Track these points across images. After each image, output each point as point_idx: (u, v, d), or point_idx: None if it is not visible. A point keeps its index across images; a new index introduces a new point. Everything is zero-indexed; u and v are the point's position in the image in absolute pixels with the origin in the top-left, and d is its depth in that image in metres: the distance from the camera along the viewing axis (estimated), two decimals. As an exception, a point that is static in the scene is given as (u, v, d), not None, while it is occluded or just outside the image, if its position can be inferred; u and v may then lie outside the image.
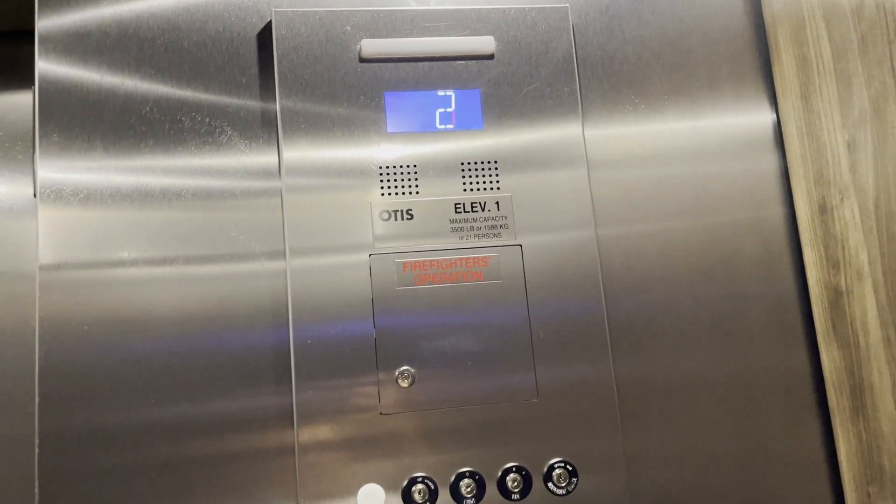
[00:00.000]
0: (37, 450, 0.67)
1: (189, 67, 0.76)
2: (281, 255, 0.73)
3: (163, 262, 0.72)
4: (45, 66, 0.73)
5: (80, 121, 0.73)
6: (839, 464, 0.76)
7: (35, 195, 0.72)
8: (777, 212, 0.82)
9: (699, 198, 0.81)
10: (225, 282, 0.72)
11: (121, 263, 0.71)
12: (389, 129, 0.76)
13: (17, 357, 0.75)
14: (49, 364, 0.68)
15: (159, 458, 0.68)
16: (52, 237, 0.70)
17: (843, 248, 0.73)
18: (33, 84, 0.74)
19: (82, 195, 0.72)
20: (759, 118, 0.84)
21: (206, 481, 0.69)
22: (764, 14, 0.85)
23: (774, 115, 0.84)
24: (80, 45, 0.74)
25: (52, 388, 0.68)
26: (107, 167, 0.72)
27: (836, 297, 0.75)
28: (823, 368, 0.78)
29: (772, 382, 0.79)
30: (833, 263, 0.75)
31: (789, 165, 0.81)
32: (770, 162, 0.83)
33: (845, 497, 0.76)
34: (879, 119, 0.67)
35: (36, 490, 0.67)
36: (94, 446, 0.68)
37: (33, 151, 0.73)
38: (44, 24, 0.74)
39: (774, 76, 0.83)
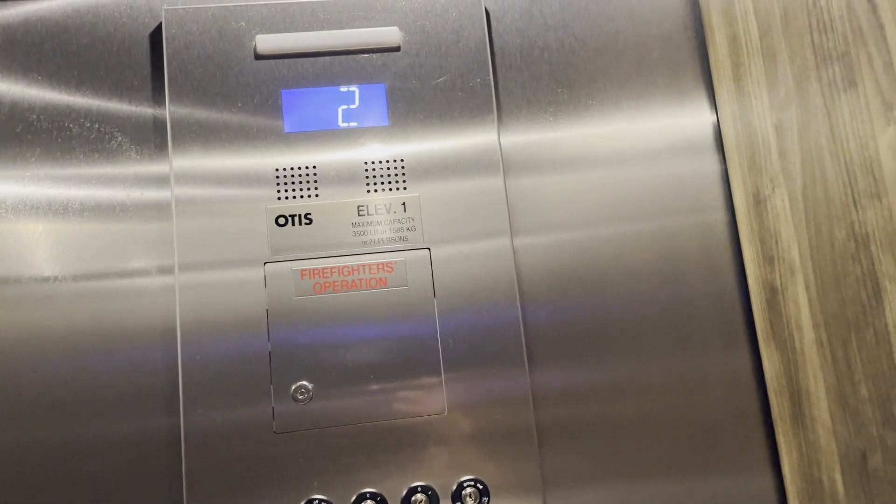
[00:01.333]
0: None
1: (78, 71, 0.72)
2: (172, 269, 0.69)
3: (47, 279, 0.68)
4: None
5: (-38, 131, 0.70)
6: (783, 477, 0.70)
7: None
8: (716, 210, 0.75)
9: (631, 195, 0.75)
10: (114, 299, 0.69)
11: (5, 281, 0.68)
12: (287, 129, 0.72)
13: None
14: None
15: (43, 480, 0.65)
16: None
17: (776, 242, 0.67)
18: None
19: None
20: (694, 105, 0.77)
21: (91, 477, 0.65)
22: (698, -9, 0.79)
23: (711, 102, 0.77)
24: (-36, 52, 0.71)
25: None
26: (-10, 179, 0.69)
27: (773, 296, 0.69)
28: (765, 373, 0.71)
29: (711, 391, 0.73)
30: (768, 259, 0.69)
31: (726, 154, 0.75)
32: (707, 154, 0.77)
33: (790, 514, 0.70)
34: (802, 98, 0.61)
35: None
36: (-28, 472, 0.64)
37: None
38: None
39: (710, 57, 0.77)
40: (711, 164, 0.76)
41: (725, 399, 0.72)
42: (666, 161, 0.76)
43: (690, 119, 0.77)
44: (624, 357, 0.72)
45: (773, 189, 0.67)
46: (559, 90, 0.77)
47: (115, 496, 0.65)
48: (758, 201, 0.69)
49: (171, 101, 0.71)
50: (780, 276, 0.67)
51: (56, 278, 0.68)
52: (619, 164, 0.76)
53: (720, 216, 0.75)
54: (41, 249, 0.69)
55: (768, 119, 0.67)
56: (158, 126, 0.72)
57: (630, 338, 0.73)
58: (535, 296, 0.73)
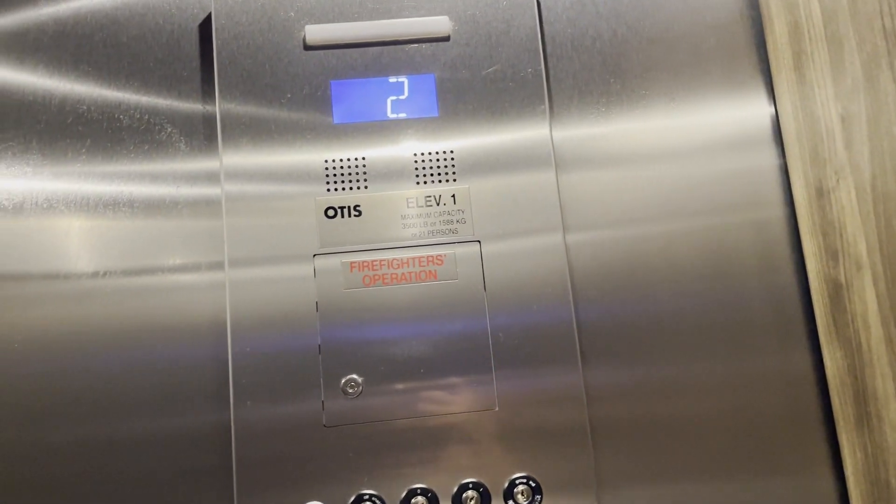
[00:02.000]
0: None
1: (128, 63, 0.72)
2: (221, 264, 0.69)
3: (97, 274, 0.68)
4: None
5: (14, 123, 0.70)
6: (846, 479, 0.68)
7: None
8: (774, 205, 0.73)
9: (684, 190, 0.73)
10: (164, 294, 0.68)
11: (55, 276, 0.68)
12: (336, 121, 0.71)
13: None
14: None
15: (95, 474, 0.65)
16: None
17: (840, 235, 0.65)
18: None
19: (17, 202, 0.69)
20: (751, 96, 0.75)
21: (143, 499, 0.65)
22: (755, -22, 0.76)
23: (769, 92, 0.75)
24: (17, 44, 0.71)
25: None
26: (42, 173, 0.69)
27: (836, 292, 0.66)
28: (826, 371, 0.69)
29: (771, 390, 0.70)
30: (832, 254, 0.66)
31: (785, 145, 0.73)
32: (764, 147, 0.74)
33: (853, 517, 0.67)
34: (872, 87, 0.59)
35: None
36: (36, 459, 0.64)
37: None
38: (-22, 24, 0.71)
39: (767, 45, 0.75)
40: (769, 157, 0.74)
41: (783, 399, 0.70)
42: (721, 155, 0.74)
43: (747, 111, 0.75)
44: (678, 355, 0.70)
45: (838, 181, 0.64)
46: (611, 80, 0.75)
47: (166, 490, 0.65)
48: (820, 194, 0.67)
49: (220, 92, 0.70)
50: (845, 271, 0.65)
51: (106, 273, 0.68)
52: (672, 159, 0.74)
53: (778, 212, 0.73)
54: (91, 245, 0.69)
55: (833, 109, 0.64)
56: (208, 118, 0.72)
57: (684, 336, 0.71)
58: (587, 293, 0.71)
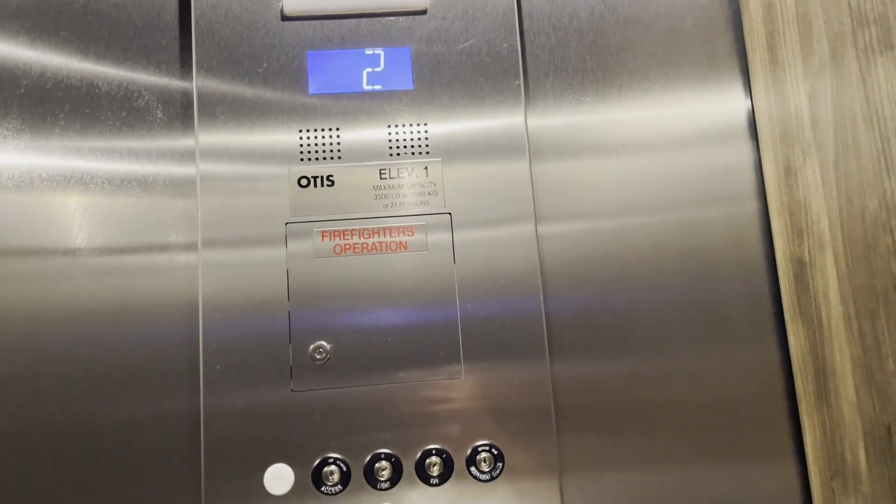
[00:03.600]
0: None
1: (108, 31, 0.73)
2: (195, 221, 0.70)
3: (73, 252, 0.69)
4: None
5: (-5, 87, 0.71)
6: (806, 455, 0.68)
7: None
8: (750, 198, 0.74)
9: (658, 177, 0.74)
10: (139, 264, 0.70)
11: (27, 252, 0.69)
12: (311, 91, 0.72)
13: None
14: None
15: (69, 454, 0.66)
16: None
17: (805, 213, 0.66)
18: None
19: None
20: (726, 79, 0.76)
21: (111, 454, 0.66)
22: (733, -42, 0.77)
23: (744, 75, 0.75)
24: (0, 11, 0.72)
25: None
26: (21, 146, 0.70)
27: (801, 270, 0.67)
28: (790, 350, 0.70)
29: (740, 373, 0.71)
30: (797, 232, 0.67)
31: (758, 125, 0.73)
32: (739, 135, 0.75)
33: (812, 493, 0.68)
34: (837, 64, 0.59)
35: None
36: (13, 442, 0.66)
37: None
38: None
39: (744, 26, 0.75)
40: (744, 148, 0.74)
41: (750, 380, 0.71)
42: (696, 143, 0.75)
43: (722, 94, 0.75)
44: (648, 341, 0.71)
45: (805, 160, 0.65)
46: (587, 58, 0.76)
47: (131, 459, 0.67)
48: (788, 173, 0.68)
49: (197, 62, 0.71)
50: (809, 249, 0.65)
51: (87, 250, 0.69)
52: (647, 150, 0.74)
53: (752, 203, 0.73)
54: (66, 222, 0.70)
55: (802, 88, 0.65)
56: (185, 90, 0.72)
57: (655, 324, 0.72)
58: (556, 267, 0.72)
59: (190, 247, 0.70)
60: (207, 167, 0.69)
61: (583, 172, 0.74)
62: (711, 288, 0.72)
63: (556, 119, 0.74)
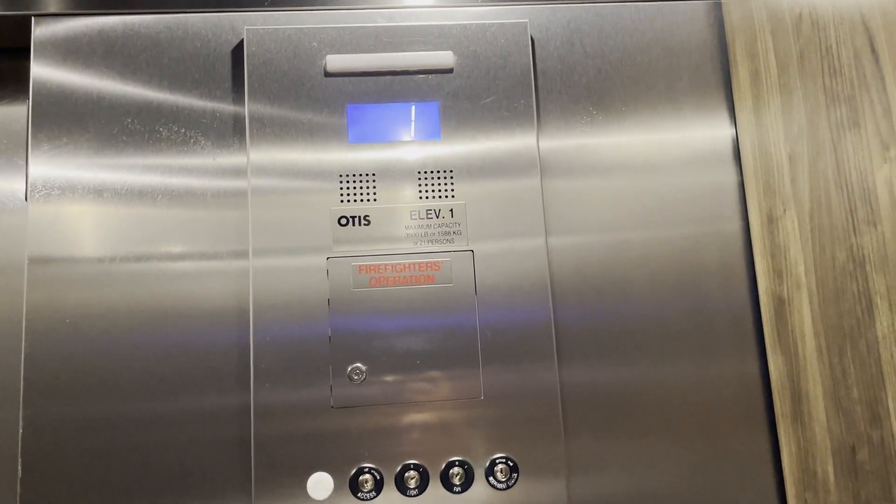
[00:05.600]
0: (21, 431, 0.74)
1: (168, 82, 0.82)
2: (246, 254, 0.79)
3: (138, 258, 0.78)
4: (39, 76, 0.80)
5: (67, 130, 0.80)
6: (783, 469, 0.78)
7: (26, 198, 0.79)
8: (734, 224, 0.83)
9: (657, 209, 0.83)
10: (194, 279, 0.78)
11: (100, 260, 0.77)
12: (351, 140, 0.81)
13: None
14: (32, 355, 0.75)
15: (130, 444, 0.75)
16: (39, 234, 0.77)
17: (785, 257, 0.75)
18: (28, 96, 0.81)
19: (67, 193, 0.78)
20: (719, 131, 0.85)
21: (169, 468, 0.75)
22: (725, 26, 0.86)
23: (733, 129, 0.85)
24: (71, 59, 0.81)
25: (36, 377, 0.75)
26: (91, 165, 0.79)
27: (780, 306, 0.76)
28: (770, 375, 0.79)
29: (723, 392, 0.81)
30: (777, 273, 0.77)
31: (744, 177, 0.83)
32: (728, 175, 0.85)
33: (787, 502, 0.77)
34: (813, 133, 0.69)
35: (18, 469, 0.73)
36: (71, 433, 0.74)
37: (26, 156, 0.80)
38: (39, 37, 0.81)
39: (734, 89, 0.85)
40: (731, 184, 0.84)
41: (735, 398, 0.81)
42: (689, 171, 0.84)
43: (713, 143, 0.85)
44: (644, 354, 0.81)
45: (785, 211, 0.74)
46: (594, 111, 0.85)
47: (190, 461, 0.75)
48: (770, 220, 0.77)
49: (250, 111, 0.80)
50: (788, 289, 0.75)
51: (148, 256, 0.78)
52: (648, 172, 0.84)
53: (737, 234, 0.83)
54: (135, 231, 0.78)
55: (783, 148, 0.74)
56: (238, 130, 0.81)
57: (651, 337, 0.81)
58: (566, 292, 0.81)
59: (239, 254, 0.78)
60: (259, 193, 0.78)
61: (589, 196, 0.83)
62: (702, 298, 0.82)
63: (564, 143, 0.84)
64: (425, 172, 0.81)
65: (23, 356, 0.75)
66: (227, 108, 0.82)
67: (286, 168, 0.79)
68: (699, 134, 0.85)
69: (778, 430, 0.79)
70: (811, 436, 0.72)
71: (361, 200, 0.80)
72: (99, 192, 0.79)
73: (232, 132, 0.81)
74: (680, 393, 0.80)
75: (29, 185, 0.79)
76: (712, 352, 0.81)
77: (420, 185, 0.81)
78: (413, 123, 0.82)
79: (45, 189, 0.78)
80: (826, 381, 0.69)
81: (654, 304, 0.82)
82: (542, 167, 0.83)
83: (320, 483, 0.74)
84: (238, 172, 0.81)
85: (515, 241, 0.80)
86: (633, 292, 0.82)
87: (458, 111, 0.82)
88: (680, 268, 0.83)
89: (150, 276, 0.78)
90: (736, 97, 0.84)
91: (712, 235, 0.83)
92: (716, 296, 0.82)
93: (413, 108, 0.82)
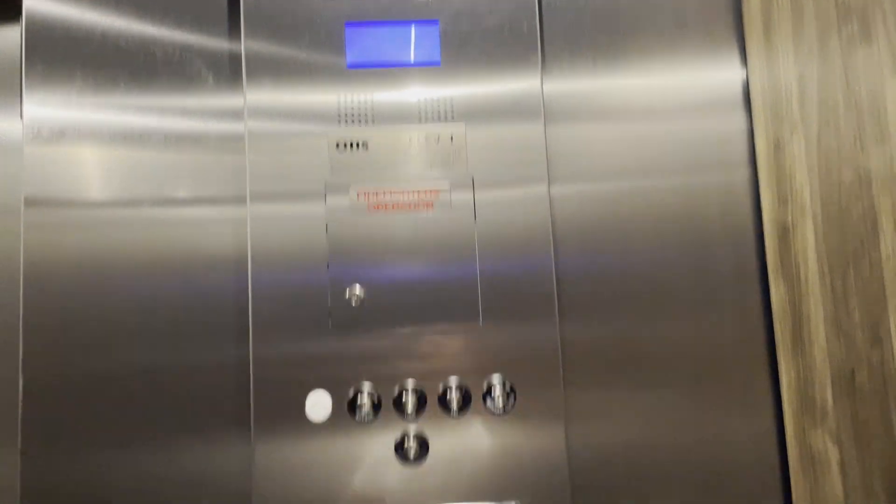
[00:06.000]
0: (21, 363, 0.74)
1: (163, 1, 0.80)
2: (243, 174, 0.78)
3: (132, 203, 0.77)
4: (32, 8, 0.78)
5: (62, 54, 0.78)
6: (781, 396, 0.78)
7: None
8: (742, 165, 0.82)
9: (661, 147, 0.82)
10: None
11: (94, 204, 0.77)
12: (349, 64, 0.79)
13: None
14: (30, 297, 0.75)
15: (129, 368, 0.75)
16: (35, 173, 0.76)
17: (790, 183, 0.74)
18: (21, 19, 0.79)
19: (59, 131, 0.77)
20: (725, 60, 0.83)
21: (170, 393, 0.75)
22: (736, -53, 0.84)
23: (742, 57, 0.83)
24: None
25: (35, 319, 0.75)
26: (84, 104, 0.78)
27: (784, 233, 0.75)
28: (772, 302, 0.79)
29: (724, 323, 0.80)
30: (783, 200, 0.75)
31: (752, 104, 0.81)
32: (735, 109, 0.82)
33: (785, 429, 0.77)
34: (823, 52, 0.67)
35: (19, 413, 0.74)
36: (72, 362, 0.75)
37: (21, 84, 0.79)
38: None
39: (743, 14, 0.82)
40: (739, 119, 0.82)
41: (736, 329, 0.80)
42: (696, 115, 0.82)
43: (721, 73, 0.83)
44: (646, 298, 0.80)
45: (792, 135, 0.73)
46: (599, 36, 0.83)
47: (191, 389, 0.75)
48: (777, 147, 0.76)
49: (245, 32, 0.78)
50: (792, 215, 0.74)
51: (137, 202, 0.77)
52: (651, 117, 0.82)
53: (743, 170, 0.82)
54: (125, 174, 0.77)
55: (791, 71, 0.72)
56: (233, 54, 0.80)
57: (652, 281, 0.80)
58: (566, 230, 0.80)
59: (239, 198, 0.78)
60: (255, 125, 0.77)
61: (593, 137, 0.82)
62: (705, 247, 0.81)
63: (568, 86, 0.82)
64: (425, 94, 0.79)
65: (21, 296, 0.75)
66: (222, 30, 0.80)
67: (284, 92, 0.78)
68: (706, 63, 0.83)
69: (778, 361, 0.78)
70: (811, 362, 0.72)
71: (360, 125, 0.79)
72: (93, 129, 0.78)
73: (228, 56, 0.80)
74: (682, 332, 0.80)
75: (24, 118, 0.77)
76: (714, 288, 0.80)
77: (420, 109, 0.79)
78: (413, 47, 0.80)
79: (38, 125, 0.77)
80: (828, 306, 0.69)
81: (657, 248, 0.80)
82: (545, 97, 0.81)
83: (319, 403, 0.74)
84: (236, 108, 0.79)
85: (516, 165, 0.79)
86: (637, 235, 0.81)
87: (459, 34, 0.80)
88: (686, 211, 0.81)
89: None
90: (746, 23, 0.82)
91: (720, 176, 0.82)
92: (719, 234, 0.81)
93: (413, 28, 0.80)
